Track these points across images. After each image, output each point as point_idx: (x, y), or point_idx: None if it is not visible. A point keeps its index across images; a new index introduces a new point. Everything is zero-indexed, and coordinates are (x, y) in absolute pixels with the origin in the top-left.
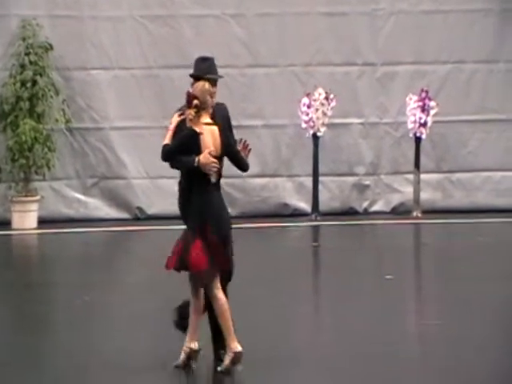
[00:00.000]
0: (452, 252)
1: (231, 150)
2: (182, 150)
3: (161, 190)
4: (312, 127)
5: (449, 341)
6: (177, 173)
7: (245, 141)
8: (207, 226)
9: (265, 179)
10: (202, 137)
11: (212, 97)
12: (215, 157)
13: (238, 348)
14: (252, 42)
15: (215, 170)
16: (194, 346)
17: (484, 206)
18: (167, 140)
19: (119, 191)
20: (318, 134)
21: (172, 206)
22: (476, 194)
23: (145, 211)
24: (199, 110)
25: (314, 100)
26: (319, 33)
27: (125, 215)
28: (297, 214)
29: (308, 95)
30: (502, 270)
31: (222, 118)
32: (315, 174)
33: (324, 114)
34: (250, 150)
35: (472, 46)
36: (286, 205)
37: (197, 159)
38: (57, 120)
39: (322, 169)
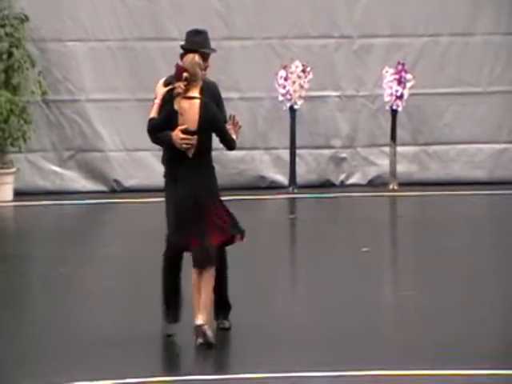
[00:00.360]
0: (428, 224)
1: (218, 126)
2: (165, 126)
3: (138, 163)
4: (289, 100)
5: (423, 311)
6: (154, 146)
7: (234, 117)
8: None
9: (242, 152)
10: (180, 115)
11: (203, 70)
12: (193, 132)
13: (198, 321)
14: (228, 15)
15: (187, 146)
16: (197, 321)
17: (460, 178)
18: (153, 113)
19: (96, 163)
20: (295, 106)
21: (149, 179)
22: (452, 166)
23: (122, 184)
24: (189, 83)
25: (291, 73)
26: (296, 5)
27: (101, 188)
28: (274, 187)
29: (285, 68)
30: (476, 242)
31: (211, 97)
32: (292, 147)
33: (301, 86)
34: (241, 126)
35: (448, 19)
36: (262, 177)
37: (169, 136)
38: (33, 92)
39: (298, 142)
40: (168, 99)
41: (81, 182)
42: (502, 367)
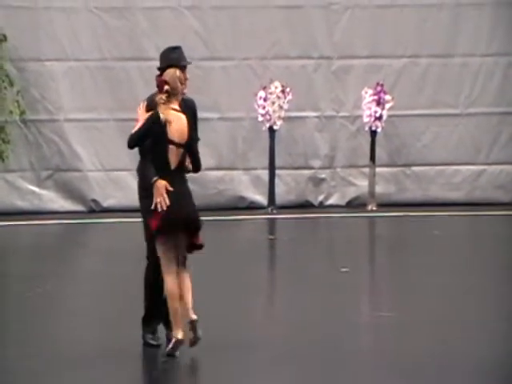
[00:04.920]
0: (406, 245)
1: (192, 145)
2: (147, 135)
3: (116, 183)
4: (268, 120)
5: (401, 332)
6: (132, 166)
7: None
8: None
9: (221, 172)
10: (168, 124)
11: (182, 83)
12: (180, 144)
13: (193, 316)
14: (208, 35)
15: (159, 201)
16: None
17: (437, 199)
18: (134, 129)
19: (74, 183)
20: (275, 127)
21: (127, 199)
22: (430, 188)
23: (100, 204)
24: (170, 95)
25: (270, 93)
26: (275, 26)
27: (80, 208)
28: (253, 207)
29: (264, 88)
30: (454, 262)
31: (189, 114)
32: (271, 167)
33: (280, 107)
34: None
35: (427, 41)
36: (242, 198)
37: (155, 179)
38: (11, 112)
39: (278, 162)
40: (152, 112)
41: (59, 202)
42: None
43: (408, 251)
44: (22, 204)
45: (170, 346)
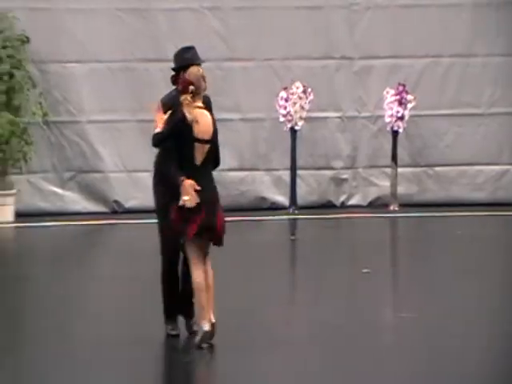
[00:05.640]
0: (428, 245)
1: (215, 141)
2: (173, 134)
3: (137, 184)
4: (290, 121)
5: (424, 333)
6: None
7: None
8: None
9: (243, 173)
10: (195, 123)
11: (204, 81)
12: (206, 140)
13: (206, 327)
14: (229, 36)
15: (188, 201)
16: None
17: (460, 199)
18: (159, 128)
19: (96, 184)
20: (296, 127)
21: (149, 200)
22: (452, 188)
23: (122, 205)
24: (194, 95)
25: (292, 94)
26: (296, 26)
27: (102, 209)
28: (274, 208)
29: (285, 89)
30: (477, 263)
31: (208, 109)
32: (293, 168)
33: (302, 107)
34: None
35: (449, 40)
36: (263, 198)
37: (181, 179)
38: (34, 113)
39: (299, 162)
40: (175, 112)
41: (81, 203)
42: None
43: (430, 252)
44: (44, 205)
45: (199, 338)
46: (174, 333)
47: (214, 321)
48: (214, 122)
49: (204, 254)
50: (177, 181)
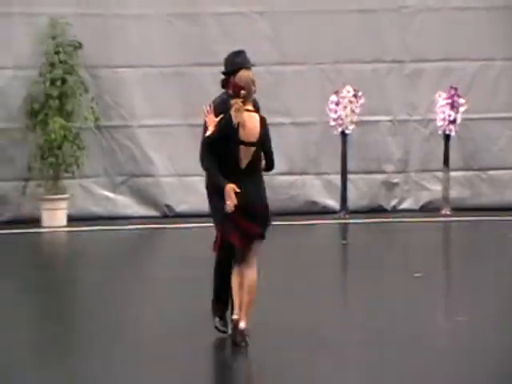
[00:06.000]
0: (481, 249)
1: (265, 144)
2: (220, 138)
3: (189, 188)
4: (340, 125)
5: (478, 336)
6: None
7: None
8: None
9: (293, 177)
10: (241, 127)
11: (254, 85)
12: (252, 143)
13: (242, 325)
14: (279, 40)
15: (229, 205)
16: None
17: None
18: (208, 132)
19: (147, 189)
20: (347, 131)
21: (200, 204)
22: (505, 192)
23: (173, 209)
24: (245, 99)
25: (343, 97)
26: (347, 30)
27: (153, 213)
28: (325, 212)
29: (336, 93)
30: None
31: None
32: (343, 172)
33: (352, 111)
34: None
35: (501, 43)
36: (314, 202)
37: (225, 183)
38: (86, 118)
39: (350, 166)
40: (224, 116)
41: (133, 207)
42: None
43: (483, 255)
44: (96, 209)
45: (238, 337)
46: (220, 328)
47: (236, 317)
48: (263, 124)
49: (244, 257)
50: (219, 184)
